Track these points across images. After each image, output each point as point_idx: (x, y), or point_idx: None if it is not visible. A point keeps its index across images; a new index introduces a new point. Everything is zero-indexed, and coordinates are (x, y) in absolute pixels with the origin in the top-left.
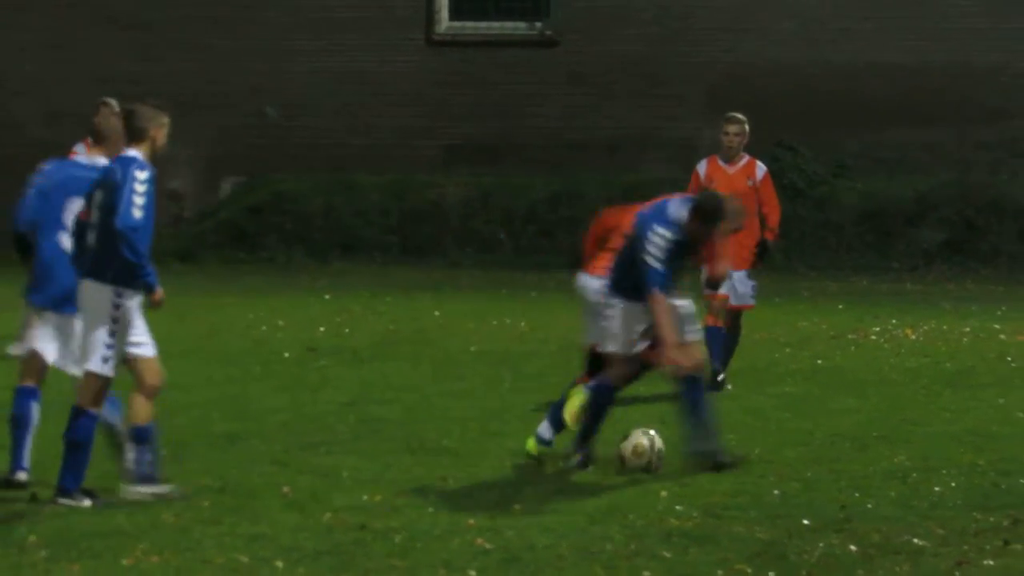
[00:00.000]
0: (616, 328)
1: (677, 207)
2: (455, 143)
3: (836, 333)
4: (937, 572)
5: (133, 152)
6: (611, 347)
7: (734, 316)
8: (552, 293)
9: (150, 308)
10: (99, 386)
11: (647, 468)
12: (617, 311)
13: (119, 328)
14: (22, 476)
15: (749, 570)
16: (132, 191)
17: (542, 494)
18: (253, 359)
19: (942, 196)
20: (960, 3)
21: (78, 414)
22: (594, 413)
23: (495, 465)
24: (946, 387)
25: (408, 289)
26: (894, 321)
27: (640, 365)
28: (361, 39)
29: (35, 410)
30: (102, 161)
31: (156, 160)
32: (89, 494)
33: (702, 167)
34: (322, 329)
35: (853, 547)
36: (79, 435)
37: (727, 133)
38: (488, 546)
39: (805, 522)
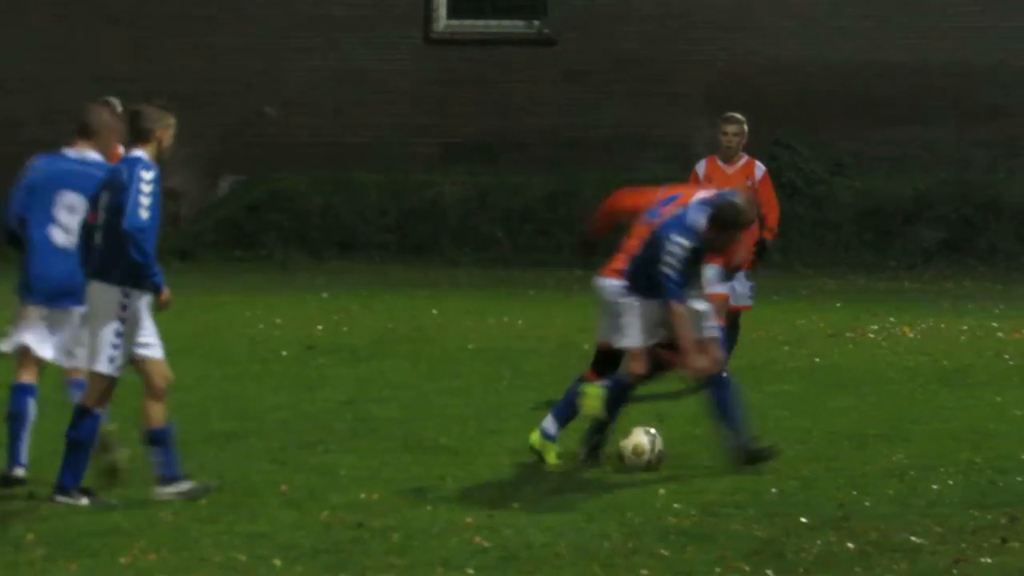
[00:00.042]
0: (633, 324)
1: (695, 213)
2: (453, 142)
3: (834, 331)
4: (935, 570)
5: (139, 152)
6: (627, 343)
7: (732, 316)
8: (550, 291)
9: (157, 309)
10: (104, 386)
11: (646, 467)
12: (633, 308)
13: (126, 328)
14: (20, 472)
15: (747, 568)
16: (139, 191)
17: (540, 492)
18: (251, 357)
19: (940, 194)
20: (959, 1)
21: (82, 413)
22: (609, 410)
23: (493, 463)
24: (944, 385)
25: (406, 287)
26: (892, 319)
27: (658, 366)
28: (359, 37)
29: (32, 406)
30: (92, 155)
31: (159, 160)
32: (87, 493)
33: (701, 167)
34: (320, 327)
35: (851, 545)
36: (81, 434)
37: (725, 133)
38: (486, 544)
39: (803, 520)
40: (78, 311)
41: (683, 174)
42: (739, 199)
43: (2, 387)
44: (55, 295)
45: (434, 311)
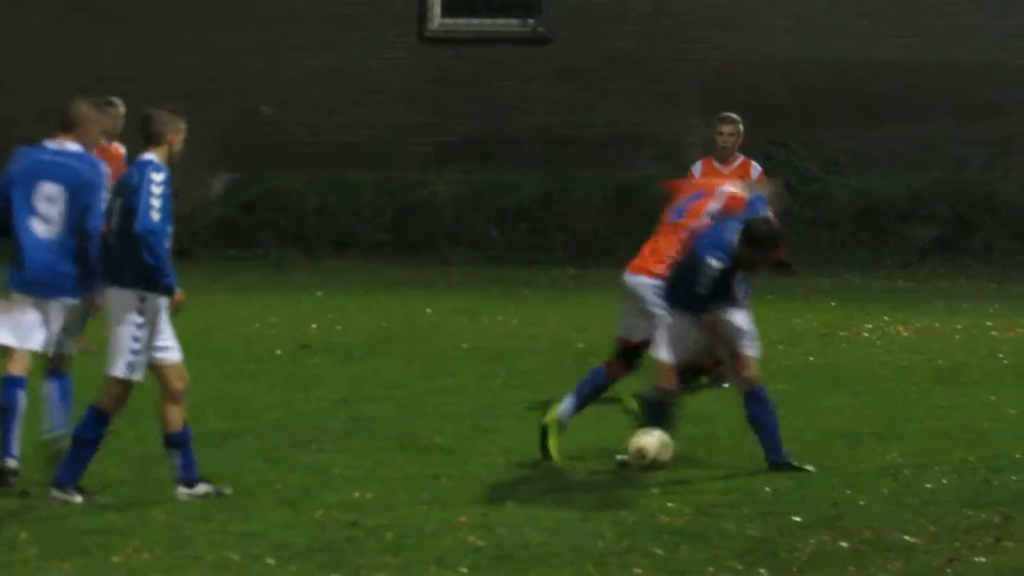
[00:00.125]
0: (667, 338)
1: (732, 232)
2: (447, 140)
3: (828, 330)
4: (928, 569)
5: (150, 155)
6: (660, 355)
7: None
8: (544, 290)
9: (172, 311)
10: (120, 391)
11: (648, 468)
12: (670, 322)
13: (145, 332)
14: (11, 463)
15: (740, 567)
16: (149, 193)
17: (534, 491)
18: (246, 356)
19: (935, 193)
20: (955, 0)
21: (96, 415)
22: (657, 418)
23: (487, 462)
24: (938, 384)
25: (400, 286)
26: (886, 318)
27: (692, 372)
28: (353, 36)
29: (22, 398)
30: (71, 146)
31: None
32: (82, 491)
33: (697, 168)
34: (314, 326)
35: (844, 544)
36: (89, 433)
37: (721, 133)
38: (480, 543)
39: (796, 519)
40: (64, 301)
41: (677, 172)
42: (770, 214)
43: None
44: (39, 285)
45: (428, 310)
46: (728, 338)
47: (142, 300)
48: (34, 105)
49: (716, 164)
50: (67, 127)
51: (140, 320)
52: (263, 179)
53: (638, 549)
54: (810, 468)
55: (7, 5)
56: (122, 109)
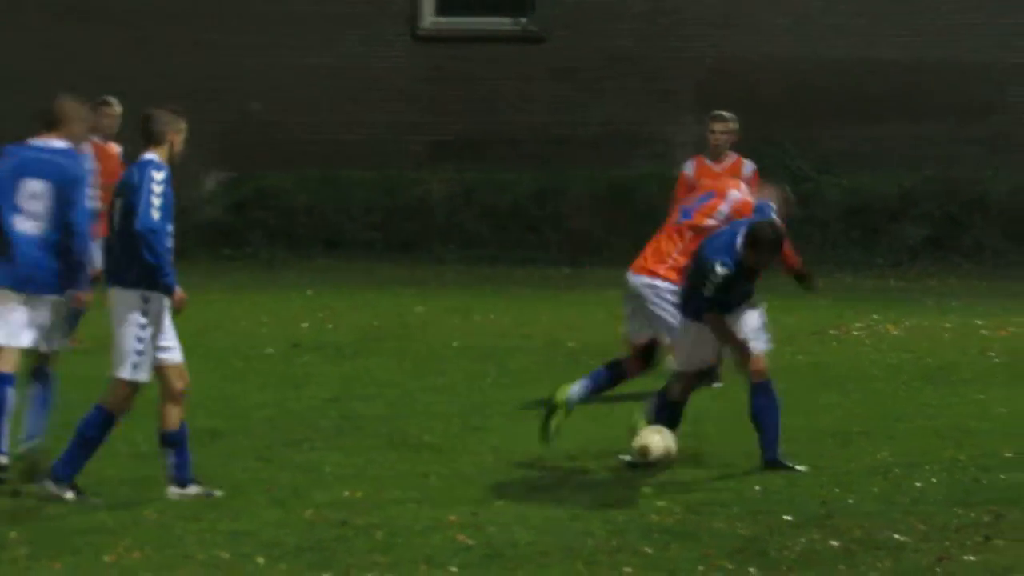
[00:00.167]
0: (684, 348)
1: (739, 236)
2: (440, 139)
3: (818, 329)
4: (918, 568)
5: (150, 155)
6: (678, 364)
7: None
8: (536, 289)
9: (173, 311)
10: (127, 392)
11: (653, 465)
12: (687, 332)
13: (148, 332)
14: (2, 460)
15: (730, 566)
16: (150, 192)
17: (524, 490)
18: (236, 355)
19: (926, 192)
20: None
21: (103, 415)
22: (668, 417)
23: (477, 461)
24: (928, 383)
25: (392, 285)
26: (876, 317)
27: (700, 374)
28: (346, 35)
29: (11, 396)
30: (55, 143)
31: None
32: (75, 489)
33: (689, 167)
34: (305, 325)
35: (834, 543)
36: (92, 432)
37: (713, 131)
38: (470, 542)
39: (786, 518)
40: (52, 297)
41: (672, 171)
42: (777, 225)
43: None
44: (26, 281)
45: (419, 308)
46: (734, 336)
47: (145, 300)
48: (34, 105)
49: (708, 162)
50: (51, 124)
51: (144, 320)
52: (254, 178)
53: (628, 548)
54: (802, 468)
55: (7, 5)
56: (118, 108)
